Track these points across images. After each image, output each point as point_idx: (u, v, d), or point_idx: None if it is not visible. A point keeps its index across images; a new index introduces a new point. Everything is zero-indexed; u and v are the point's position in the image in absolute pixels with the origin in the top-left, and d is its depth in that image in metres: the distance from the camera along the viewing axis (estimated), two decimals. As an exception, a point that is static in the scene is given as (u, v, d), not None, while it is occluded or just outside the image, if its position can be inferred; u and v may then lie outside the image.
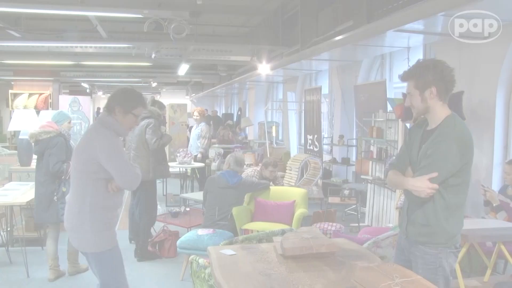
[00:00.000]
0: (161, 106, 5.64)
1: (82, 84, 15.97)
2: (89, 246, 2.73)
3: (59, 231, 4.55)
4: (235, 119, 17.80)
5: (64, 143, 4.32)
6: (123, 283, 2.84)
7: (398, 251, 2.57)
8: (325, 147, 8.78)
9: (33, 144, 4.39)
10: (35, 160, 5.92)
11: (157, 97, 15.28)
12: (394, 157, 4.00)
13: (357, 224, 6.34)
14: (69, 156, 4.36)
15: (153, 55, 7.58)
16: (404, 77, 2.38)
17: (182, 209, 5.67)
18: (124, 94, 2.83)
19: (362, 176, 6.91)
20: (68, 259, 4.58)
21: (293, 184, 7.46)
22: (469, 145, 2.29)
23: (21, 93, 10.43)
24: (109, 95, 2.94)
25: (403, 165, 2.44)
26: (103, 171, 2.68)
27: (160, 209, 5.27)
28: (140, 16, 5.53)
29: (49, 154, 4.22)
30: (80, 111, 10.09)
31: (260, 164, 6.76)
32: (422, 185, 2.21)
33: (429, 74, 2.27)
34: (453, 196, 2.28)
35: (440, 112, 2.31)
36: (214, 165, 8.98)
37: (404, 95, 3.55)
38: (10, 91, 10.67)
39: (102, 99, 25.23)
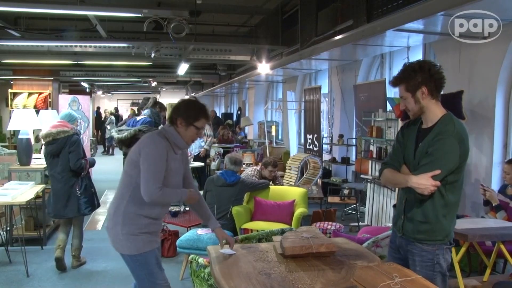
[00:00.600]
0: (162, 107, 5.65)
1: (82, 83, 15.97)
2: (121, 247, 2.69)
3: (71, 226, 4.71)
4: (234, 118, 17.80)
5: (80, 140, 4.58)
6: (160, 285, 2.74)
7: (392, 250, 2.58)
8: (324, 146, 8.78)
9: (44, 143, 4.53)
10: (35, 159, 5.97)
11: (157, 97, 15.26)
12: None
13: (356, 224, 6.34)
14: (84, 153, 4.64)
15: (152, 55, 7.58)
16: (394, 83, 2.44)
17: (182, 208, 5.66)
18: (186, 106, 2.74)
19: (361, 176, 6.91)
20: (73, 256, 4.72)
21: (293, 183, 7.47)
22: (467, 143, 2.32)
23: (21, 93, 10.44)
24: (172, 106, 2.83)
25: (397, 163, 2.47)
26: None
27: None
28: (140, 15, 5.52)
29: (69, 152, 4.43)
30: (80, 111, 10.10)
31: (260, 163, 6.76)
32: (426, 182, 2.23)
33: (417, 75, 2.31)
34: (451, 194, 2.32)
35: (435, 110, 2.36)
36: (213, 165, 8.99)
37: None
38: (10, 90, 10.68)
39: (101, 98, 25.25)
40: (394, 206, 2.99)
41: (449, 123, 2.31)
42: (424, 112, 2.37)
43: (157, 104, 5.48)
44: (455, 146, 2.24)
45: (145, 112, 5.18)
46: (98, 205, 4.82)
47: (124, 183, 2.70)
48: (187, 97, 21.26)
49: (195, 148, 8.30)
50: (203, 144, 8.29)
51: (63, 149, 4.44)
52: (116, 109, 22.14)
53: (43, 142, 4.61)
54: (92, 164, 4.81)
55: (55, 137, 4.43)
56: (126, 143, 4.86)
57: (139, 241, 2.65)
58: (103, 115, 20.60)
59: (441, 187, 2.27)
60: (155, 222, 2.76)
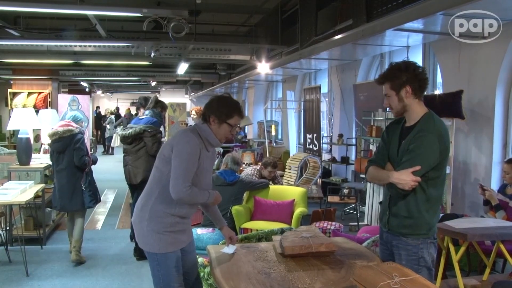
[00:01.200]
0: (164, 106, 5.63)
1: (81, 83, 15.96)
2: (144, 243, 2.68)
3: (74, 219, 4.92)
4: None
5: (84, 139, 4.92)
6: None
7: (382, 246, 2.65)
8: (324, 146, 8.78)
9: (50, 141, 4.80)
10: (34, 159, 5.97)
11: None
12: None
13: (356, 223, 6.34)
14: (87, 151, 4.98)
15: (152, 54, 7.57)
16: (379, 81, 2.51)
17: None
18: (218, 103, 2.67)
19: (361, 175, 6.91)
20: (73, 247, 4.82)
21: (293, 183, 7.46)
22: (447, 140, 2.40)
23: (20, 92, 10.44)
24: (205, 103, 2.78)
25: (382, 161, 2.56)
26: None
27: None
28: (139, 15, 5.52)
29: (74, 149, 4.76)
30: (79, 110, 10.08)
31: (259, 163, 6.76)
32: (407, 178, 2.32)
33: (403, 74, 2.40)
34: (433, 189, 2.40)
35: (417, 109, 2.44)
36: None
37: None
38: (9, 90, 10.68)
39: (101, 98, 25.23)
40: (380, 203, 3.04)
41: (429, 121, 2.40)
42: (407, 111, 2.46)
43: (158, 104, 5.46)
44: (434, 143, 2.33)
45: (147, 112, 5.16)
46: (100, 199, 5.18)
47: (154, 178, 2.67)
48: (187, 96, 21.40)
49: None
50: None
51: (69, 147, 4.75)
52: (117, 109, 22.11)
53: (49, 140, 4.87)
54: (95, 161, 5.14)
55: (61, 135, 4.73)
56: (128, 140, 4.88)
57: (163, 241, 2.62)
58: (103, 115, 20.59)
59: (423, 183, 2.35)
60: (183, 221, 2.71)
